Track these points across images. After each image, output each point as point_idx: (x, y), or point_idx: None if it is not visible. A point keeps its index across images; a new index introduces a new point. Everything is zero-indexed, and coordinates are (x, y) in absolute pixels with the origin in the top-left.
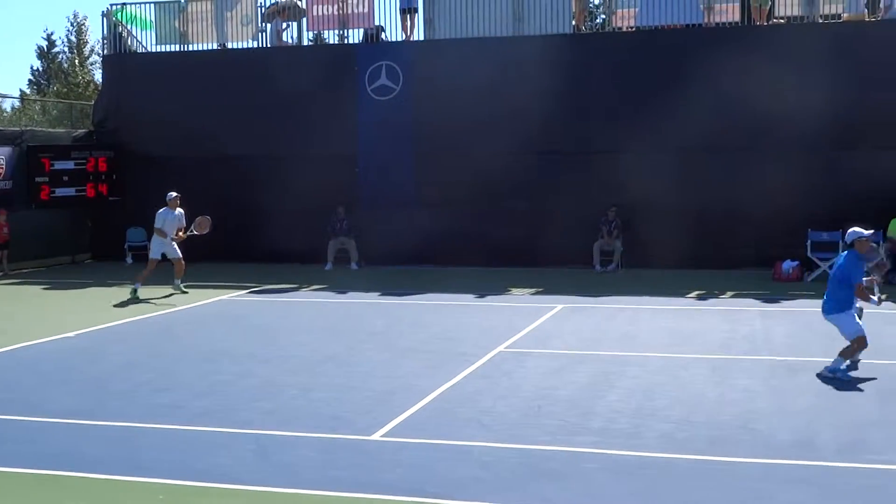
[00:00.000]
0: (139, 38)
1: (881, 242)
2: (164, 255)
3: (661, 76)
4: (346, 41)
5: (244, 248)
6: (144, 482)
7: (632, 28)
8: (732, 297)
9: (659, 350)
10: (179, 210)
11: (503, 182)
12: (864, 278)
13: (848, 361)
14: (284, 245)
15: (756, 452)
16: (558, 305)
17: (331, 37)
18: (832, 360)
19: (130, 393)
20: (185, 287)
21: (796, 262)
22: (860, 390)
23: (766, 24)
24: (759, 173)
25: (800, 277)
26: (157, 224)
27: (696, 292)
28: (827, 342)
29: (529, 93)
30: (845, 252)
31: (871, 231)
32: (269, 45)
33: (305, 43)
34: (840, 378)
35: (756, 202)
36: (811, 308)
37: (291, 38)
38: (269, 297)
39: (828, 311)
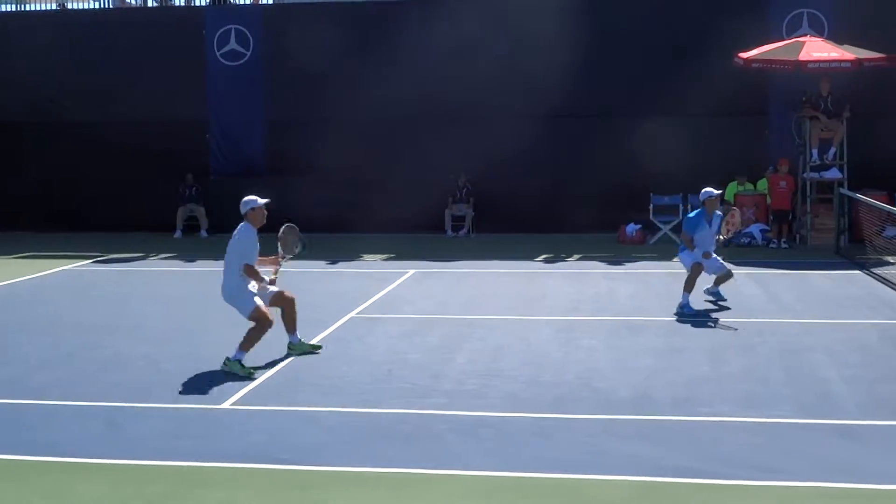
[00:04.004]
0: None
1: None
2: None
3: (522, 39)
4: (192, 3)
5: (89, 216)
6: None
7: None
8: (579, 259)
9: (507, 313)
10: None
11: (356, 149)
12: (719, 236)
13: (690, 295)
14: (131, 213)
15: (597, 409)
16: (410, 270)
17: None
18: (670, 316)
19: None
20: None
21: (639, 226)
22: (694, 348)
23: None
24: (605, 139)
25: (643, 240)
26: None
27: (544, 256)
28: (667, 302)
29: (381, 58)
30: (699, 209)
31: (721, 191)
32: (111, 7)
33: (150, 4)
34: (687, 314)
35: (602, 167)
36: (653, 269)
37: None
38: (116, 267)
39: (679, 251)
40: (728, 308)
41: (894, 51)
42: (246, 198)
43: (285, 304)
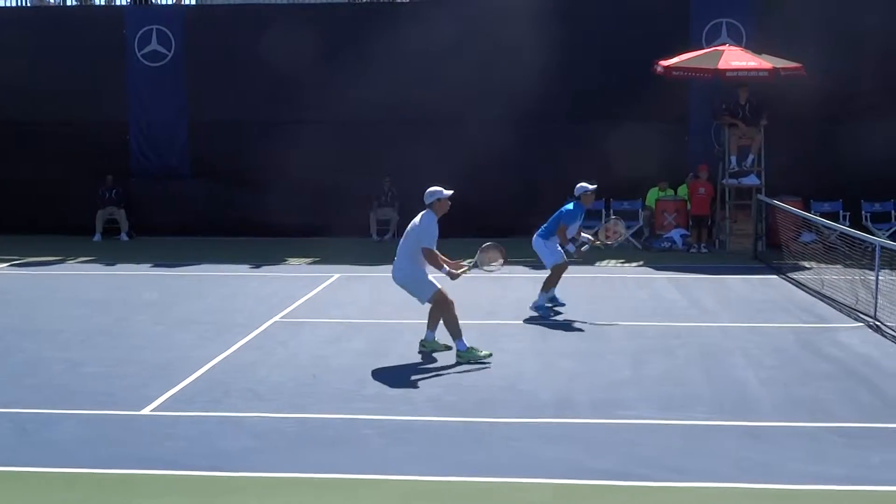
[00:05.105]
0: None
1: (640, 210)
2: None
3: (444, 45)
4: (113, 3)
5: (3, 219)
6: None
7: None
8: (503, 263)
9: None
10: None
11: (280, 152)
12: (586, 235)
13: (549, 295)
14: (48, 216)
15: (521, 412)
16: (335, 275)
17: None
18: (592, 320)
19: None
20: None
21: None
22: (615, 351)
23: None
24: (527, 145)
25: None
26: None
27: (469, 260)
28: (589, 305)
29: (303, 62)
30: (575, 203)
31: (595, 186)
32: (29, 5)
33: (69, 3)
34: (543, 315)
35: (525, 172)
36: (575, 273)
37: None
38: (33, 270)
39: (537, 235)
40: (647, 311)
41: (810, 60)
42: (432, 188)
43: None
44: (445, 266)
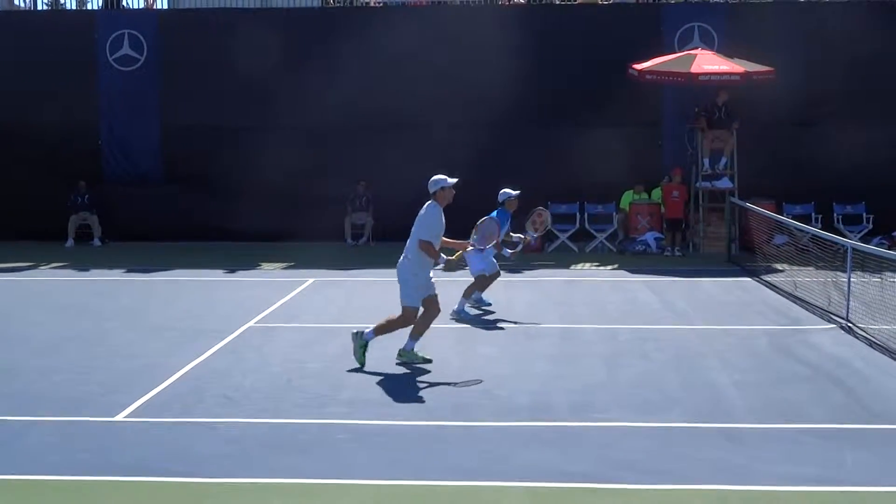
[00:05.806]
0: None
1: (615, 213)
2: None
3: (416, 50)
4: (84, 7)
5: None
6: None
7: (379, 3)
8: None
9: None
10: None
11: (254, 157)
12: (516, 235)
13: (475, 298)
14: (21, 221)
15: (496, 416)
16: (310, 279)
17: (68, 2)
18: (567, 323)
19: None
20: None
21: (537, 233)
22: (591, 354)
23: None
24: (503, 149)
25: (541, 248)
26: None
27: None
28: (564, 309)
29: (276, 68)
30: (500, 210)
31: (518, 192)
32: None
33: (40, 7)
34: (464, 318)
35: (500, 176)
36: (550, 277)
37: (25, 1)
38: (4, 277)
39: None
40: (621, 314)
41: (781, 64)
42: (435, 176)
43: (430, 309)
44: (443, 256)
